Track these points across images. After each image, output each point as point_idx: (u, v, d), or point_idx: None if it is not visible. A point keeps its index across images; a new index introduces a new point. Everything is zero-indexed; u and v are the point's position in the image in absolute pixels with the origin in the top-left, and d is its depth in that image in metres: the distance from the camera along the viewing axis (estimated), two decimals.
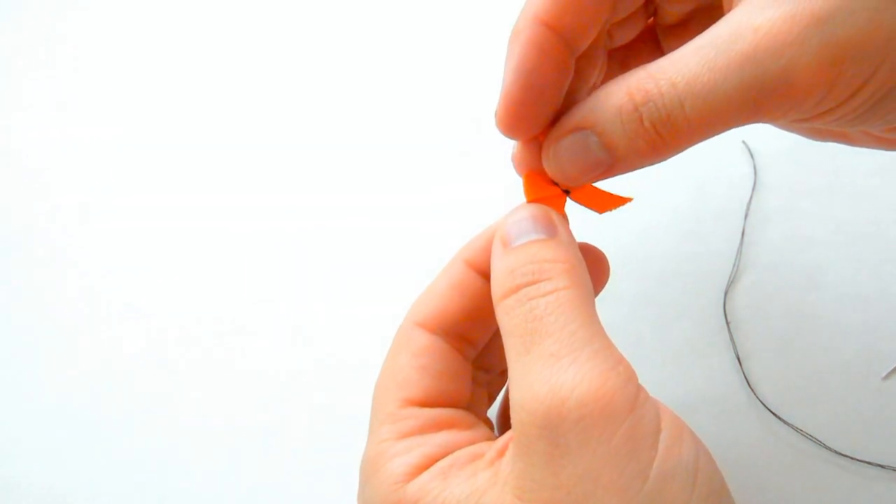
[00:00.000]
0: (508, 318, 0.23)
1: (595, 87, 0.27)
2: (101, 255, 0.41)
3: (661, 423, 0.20)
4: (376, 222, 0.41)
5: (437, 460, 0.23)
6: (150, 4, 0.48)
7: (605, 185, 0.25)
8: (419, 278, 0.28)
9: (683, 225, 0.39)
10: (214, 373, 0.38)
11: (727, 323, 0.36)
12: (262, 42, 0.47)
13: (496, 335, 0.27)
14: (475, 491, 0.21)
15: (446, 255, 0.28)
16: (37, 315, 0.40)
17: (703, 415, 0.35)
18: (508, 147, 0.27)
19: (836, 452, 0.33)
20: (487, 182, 0.39)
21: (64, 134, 0.45)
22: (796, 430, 0.34)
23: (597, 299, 0.27)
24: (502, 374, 0.30)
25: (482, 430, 0.25)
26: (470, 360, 0.27)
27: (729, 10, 0.23)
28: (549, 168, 0.25)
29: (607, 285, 0.29)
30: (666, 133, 0.22)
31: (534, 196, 0.26)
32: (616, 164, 0.23)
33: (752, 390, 0.35)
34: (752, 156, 0.40)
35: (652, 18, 0.29)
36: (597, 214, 0.27)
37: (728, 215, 0.39)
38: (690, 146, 0.22)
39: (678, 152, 0.22)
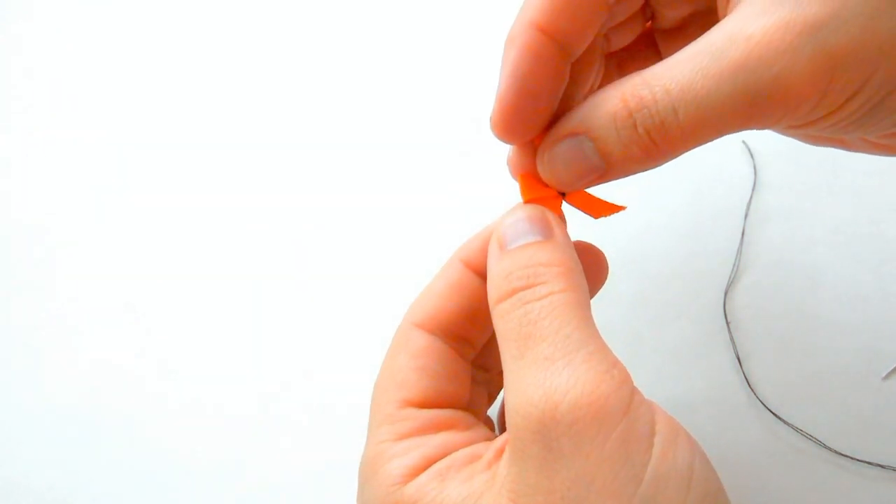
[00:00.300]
0: (503, 321, 0.23)
1: (591, 91, 0.28)
2: (100, 255, 0.41)
3: (655, 426, 0.20)
4: (376, 222, 0.41)
5: (435, 461, 0.23)
6: (151, 4, 0.48)
7: (604, 188, 0.25)
8: (419, 278, 0.28)
9: (683, 225, 0.39)
10: (215, 373, 0.38)
11: (727, 323, 0.36)
12: (263, 42, 0.47)
13: (494, 334, 0.27)
14: (472, 494, 0.21)
15: (446, 256, 0.28)
16: (37, 315, 0.40)
17: (703, 415, 0.35)
18: (508, 148, 0.27)
19: (836, 452, 0.33)
20: (487, 182, 0.39)
21: (64, 134, 0.45)
22: (796, 430, 0.34)
23: (596, 300, 0.27)
24: (502, 374, 0.29)
25: (481, 430, 0.25)
26: (469, 360, 0.27)
27: (724, 16, 0.23)
28: (544, 173, 0.25)
29: (607, 285, 0.29)
30: (660, 139, 0.22)
31: (530, 197, 0.26)
32: (610, 169, 0.23)
33: (752, 390, 0.35)
34: (752, 156, 0.40)
35: (649, 23, 0.29)
36: (592, 219, 0.27)
37: (728, 215, 0.39)
38: (684, 152, 0.22)
39: (672, 158, 0.22)
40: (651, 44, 0.30)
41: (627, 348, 0.36)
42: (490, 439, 0.25)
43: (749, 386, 0.35)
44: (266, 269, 0.40)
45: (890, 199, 0.38)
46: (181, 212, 0.42)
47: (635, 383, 0.22)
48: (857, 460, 0.33)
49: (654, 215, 0.39)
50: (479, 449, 0.23)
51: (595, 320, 0.23)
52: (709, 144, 0.23)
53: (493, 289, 0.23)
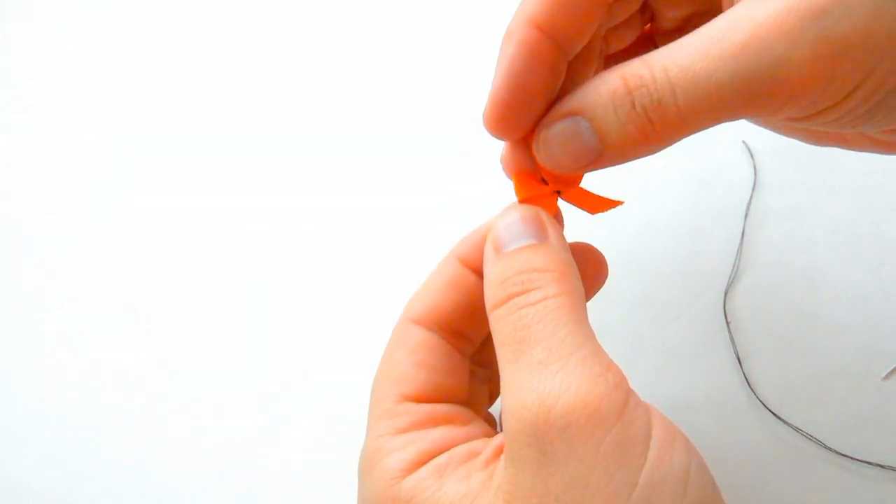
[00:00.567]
0: (500, 327, 0.23)
1: None
2: (100, 255, 0.41)
3: (651, 429, 0.20)
4: (376, 222, 0.41)
5: (433, 456, 0.23)
6: (151, 4, 0.48)
7: (603, 186, 0.25)
8: (418, 278, 0.28)
9: (683, 225, 0.39)
10: (215, 372, 0.38)
11: (727, 323, 0.36)
12: (263, 43, 0.47)
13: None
14: (469, 493, 0.21)
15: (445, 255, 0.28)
16: (37, 315, 0.40)
17: (703, 415, 0.35)
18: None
19: (836, 452, 0.33)
20: (487, 182, 0.39)
21: (64, 134, 0.45)
22: (796, 430, 0.34)
23: (596, 300, 0.27)
24: None
25: (480, 425, 0.25)
26: (467, 356, 0.27)
27: (730, 6, 0.23)
28: (540, 155, 0.24)
29: (607, 285, 0.29)
30: (657, 119, 0.21)
31: (525, 196, 0.25)
32: (606, 150, 0.23)
33: (752, 390, 0.35)
34: (752, 156, 0.40)
35: (649, 24, 0.29)
36: (589, 215, 0.27)
37: (728, 215, 0.39)
38: (682, 137, 0.22)
39: (669, 143, 0.22)
40: (651, 46, 0.30)
41: (627, 348, 0.36)
42: (489, 435, 0.25)
43: (749, 386, 0.35)
44: (266, 269, 0.40)
45: (890, 199, 0.38)
46: (181, 212, 0.42)
47: (635, 384, 0.22)
48: (857, 460, 0.33)
49: (654, 215, 0.39)
50: (478, 446, 0.23)
51: (595, 320, 0.23)
52: (709, 144, 0.23)
53: (489, 294, 0.24)
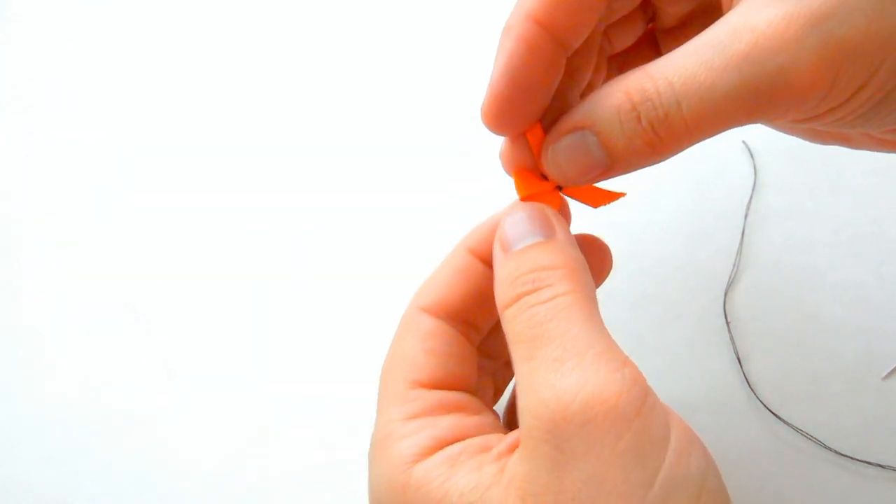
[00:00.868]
0: (512, 325, 0.23)
1: (587, 87, 0.28)
2: (100, 255, 0.41)
3: (670, 430, 0.20)
4: (376, 222, 0.41)
5: (445, 443, 0.23)
6: (151, 4, 0.48)
7: (603, 185, 0.25)
8: (419, 278, 0.28)
9: (683, 225, 0.39)
10: (215, 372, 0.38)
11: (727, 323, 0.36)
12: (263, 43, 0.47)
13: (500, 321, 0.27)
14: (479, 484, 0.21)
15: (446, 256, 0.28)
16: (36, 315, 0.40)
17: (703, 415, 0.35)
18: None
19: (836, 452, 0.33)
20: (487, 182, 0.39)
21: (64, 134, 0.45)
22: (796, 430, 0.34)
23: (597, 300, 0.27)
24: (507, 364, 0.30)
25: (489, 417, 0.25)
26: (475, 345, 0.27)
27: (728, 10, 0.23)
28: (549, 169, 0.25)
29: (607, 285, 0.29)
30: (664, 133, 0.22)
31: (526, 193, 0.25)
32: (614, 164, 0.23)
33: (752, 390, 0.35)
34: (752, 156, 0.40)
35: (651, 23, 0.29)
36: (591, 209, 0.27)
37: (728, 215, 0.39)
38: (689, 146, 0.22)
39: (676, 152, 0.22)
40: (653, 45, 0.30)
41: (627, 348, 0.36)
42: (498, 427, 0.25)
43: (749, 386, 0.35)
44: (266, 269, 0.40)
45: (890, 199, 0.38)
46: (181, 212, 0.42)
47: None
48: (857, 460, 0.33)
49: (654, 215, 0.39)
50: (491, 440, 0.23)
51: (601, 315, 0.23)
52: (709, 144, 0.23)
53: (501, 294, 0.24)
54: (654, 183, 0.39)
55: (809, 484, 0.33)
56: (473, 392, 0.26)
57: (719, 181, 0.40)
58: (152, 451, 0.36)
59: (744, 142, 0.40)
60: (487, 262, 0.26)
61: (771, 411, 0.34)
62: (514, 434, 0.23)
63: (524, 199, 0.25)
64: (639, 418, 0.20)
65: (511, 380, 0.30)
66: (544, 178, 0.26)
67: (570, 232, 0.25)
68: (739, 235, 0.38)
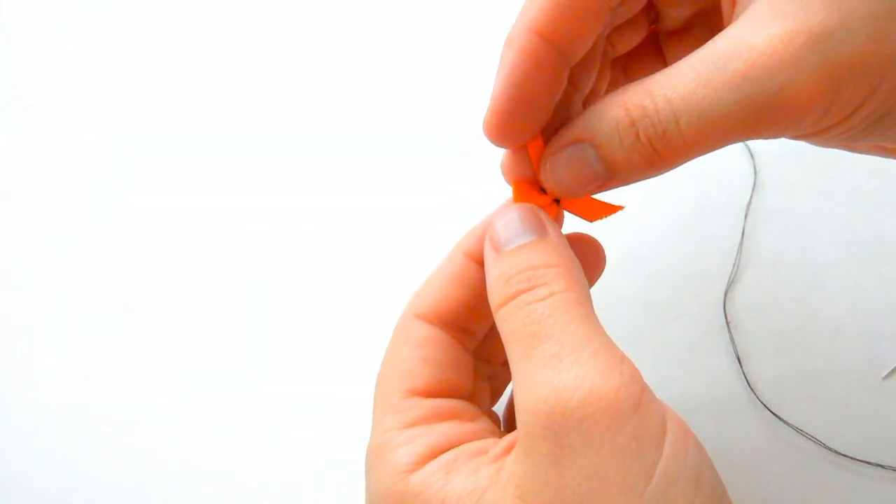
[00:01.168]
0: (508, 324, 0.23)
1: (589, 97, 0.27)
2: (100, 255, 0.41)
3: (667, 424, 0.20)
4: (376, 222, 0.41)
5: (440, 451, 0.23)
6: (151, 4, 0.48)
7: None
8: (419, 278, 0.28)
9: (683, 225, 0.39)
10: (215, 372, 0.38)
11: (727, 323, 0.36)
12: (263, 43, 0.47)
13: (495, 325, 0.27)
14: (477, 488, 0.21)
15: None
16: (36, 315, 0.40)
17: (703, 415, 0.35)
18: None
19: (836, 452, 0.33)
20: (487, 182, 0.39)
21: (64, 134, 0.45)
22: (796, 430, 0.34)
23: (596, 300, 0.27)
24: (504, 366, 0.30)
25: (485, 422, 0.25)
26: (470, 351, 0.27)
27: (728, 21, 0.23)
28: (547, 180, 0.25)
29: (607, 285, 0.29)
30: (662, 148, 0.22)
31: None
32: (613, 177, 0.23)
33: (752, 390, 0.35)
34: (752, 156, 0.40)
35: (654, 26, 0.29)
36: (587, 223, 0.27)
37: (728, 215, 0.39)
38: (687, 161, 0.22)
39: (675, 167, 0.22)
40: (656, 48, 0.30)
41: (627, 348, 0.36)
42: (495, 432, 0.25)
43: (749, 386, 0.35)
44: (266, 269, 0.40)
45: (890, 200, 0.38)
46: (181, 212, 0.42)
47: None
48: (857, 460, 0.33)
49: (654, 215, 0.39)
50: (487, 444, 0.23)
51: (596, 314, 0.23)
52: None
53: (495, 293, 0.24)
54: (653, 183, 0.39)
55: (809, 484, 0.33)
56: (469, 398, 0.26)
57: (719, 181, 0.40)
58: (152, 451, 0.36)
59: (744, 142, 0.40)
60: (483, 265, 0.26)
61: (771, 411, 0.34)
62: (509, 436, 0.23)
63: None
64: (637, 413, 0.20)
65: (508, 381, 0.30)
66: (543, 191, 0.26)
67: (561, 232, 0.25)
68: (739, 235, 0.38)
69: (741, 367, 0.35)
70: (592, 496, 0.19)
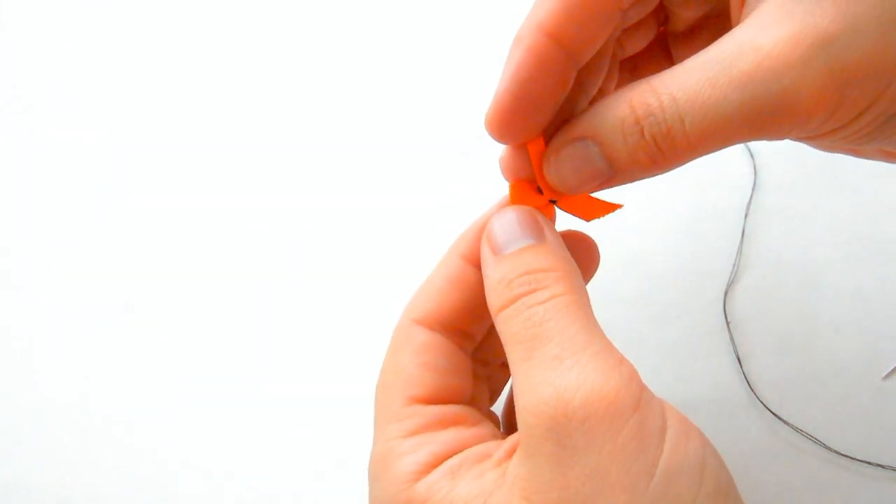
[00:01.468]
0: (508, 327, 0.23)
1: (596, 97, 0.27)
2: (100, 255, 0.41)
3: (667, 421, 0.21)
4: (376, 222, 0.41)
5: (444, 458, 0.23)
6: (151, 4, 0.48)
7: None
8: (419, 278, 0.28)
9: (683, 225, 0.39)
10: (215, 372, 0.38)
11: (727, 323, 0.36)
12: (263, 43, 0.47)
13: (493, 328, 0.27)
14: (482, 492, 0.21)
15: None
16: (36, 315, 0.40)
17: (703, 415, 0.35)
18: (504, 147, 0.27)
19: (836, 452, 0.33)
20: (487, 182, 0.39)
21: (64, 134, 0.45)
22: (796, 430, 0.34)
23: (596, 300, 0.27)
24: (502, 367, 0.30)
25: (487, 426, 0.25)
26: (469, 354, 0.27)
27: (737, 23, 0.23)
28: (550, 176, 0.25)
29: (607, 285, 0.29)
30: (666, 147, 0.22)
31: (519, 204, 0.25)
32: (616, 174, 0.23)
33: (752, 390, 0.35)
34: (752, 156, 0.40)
35: (663, 27, 0.29)
36: (584, 222, 0.27)
37: (728, 215, 0.39)
38: (691, 160, 0.22)
39: (679, 166, 0.23)
40: (665, 49, 0.29)
41: (628, 348, 0.36)
42: (497, 435, 0.25)
43: (749, 386, 0.35)
44: (266, 269, 0.40)
45: (890, 200, 0.38)
46: (181, 212, 0.42)
47: None
48: (857, 460, 0.33)
49: (654, 215, 0.39)
50: (490, 447, 0.23)
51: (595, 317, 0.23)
52: None
53: (495, 296, 0.24)
54: (653, 183, 0.39)
55: (809, 484, 0.33)
56: (470, 401, 0.26)
57: (719, 181, 0.40)
58: (152, 451, 0.36)
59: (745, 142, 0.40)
60: (480, 267, 0.26)
61: (771, 411, 0.34)
62: (512, 438, 0.23)
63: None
64: (637, 413, 0.20)
65: (506, 381, 0.30)
66: (539, 191, 0.26)
67: (557, 233, 0.25)
68: (739, 235, 0.38)
69: (741, 367, 0.35)
70: (595, 495, 0.19)
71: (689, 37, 0.28)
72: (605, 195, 0.26)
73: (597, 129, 0.23)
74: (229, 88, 0.45)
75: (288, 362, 0.38)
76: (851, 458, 0.33)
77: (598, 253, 0.29)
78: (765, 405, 0.34)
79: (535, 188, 0.26)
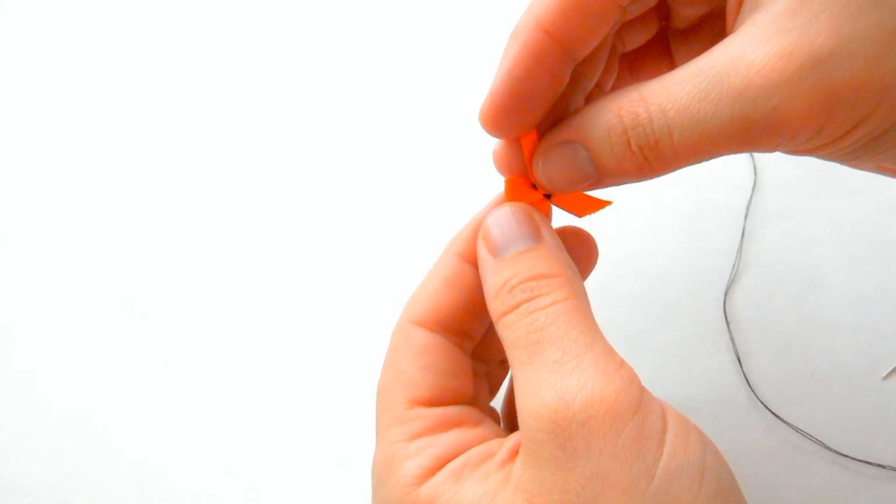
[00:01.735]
0: (510, 331, 0.23)
1: (594, 92, 0.27)
2: (100, 255, 0.41)
3: (667, 423, 0.21)
4: (375, 222, 0.41)
5: (448, 460, 0.23)
6: (151, 5, 0.48)
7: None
8: (418, 278, 0.28)
9: (683, 225, 0.39)
10: (215, 373, 0.38)
11: (727, 323, 0.36)
12: (263, 43, 0.47)
13: (492, 325, 0.27)
14: (486, 493, 0.21)
15: None
16: (36, 315, 0.40)
17: (703, 415, 0.35)
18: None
19: (836, 452, 0.33)
20: (487, 182, 0.39)
21: (63, 134, 0.45)
22: (796, 430, 0.34)
23: (596, 300, 0.27)
24: (501, 364, 0.30)
25: (489, 425, 0.25)
26: (469, 353, 0.27)
27: (731, 29, 0.23)
28: (538, 175, 0.25)
29: (607, 285, 0.29)
30: (653, 157, 0.22)
31: (515, 200, 0.26)
32: (603, 178, 0.23)
33: (752, 390, 0.35)
34: (752, 156, 0.40)
35: (663, 23, 0.29)
36: (576, 218, 0.27)
37: (728, 215, 0.39)
38: (678, 169, 0.22)
39: (666, 174, 0.23)
40: (664, 45, 0.29)
41: (628, 348, 0.36)
42: (499, 434, 0.25)
43: (749, 386, 0.35)
44: (266, 269, 0.40)
45: (890, 200, 0.38)
46: (181, 212, 0.42)
47: None
48: (857, 460, 0.33)
49: (654, 215, 0.39)
50: (492, 447, 0.23)
51: (596, 320, 0.23)
52: None
53: (497, 303, 0.24)
54: (654, 183, 0.39)
55: (809, 484, 0.33)
56: (471, 401, 0.26)
57: (719, 181, 0.40)
58: (152, 451, 0.36)
59: None
60: (477, 265, 0.26)
61: (771, 411, 0.34)
62: (513, 438, 0.23)
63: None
64: (637, 415, 0.20)
65: (505, 377, 0.31)
66: (534, 186, 0.26)
67: (554, 232, 0.25)
68: (739, 235, 0.38)
69: (741, 367, 0.35)
70: (596, 497, 0.20)
71: (689, 34, 0.28)
72: (598, 193, 0.26)
73: (585, 135, 0.23)
74: (230, 89, 0.45)
75: (288, 362, 0.38)
76: (851, 458, 0.33)
77: (597, 249, 0.29)
78: (765, 405, 0.34)
79: (530, 184, 0.26)
